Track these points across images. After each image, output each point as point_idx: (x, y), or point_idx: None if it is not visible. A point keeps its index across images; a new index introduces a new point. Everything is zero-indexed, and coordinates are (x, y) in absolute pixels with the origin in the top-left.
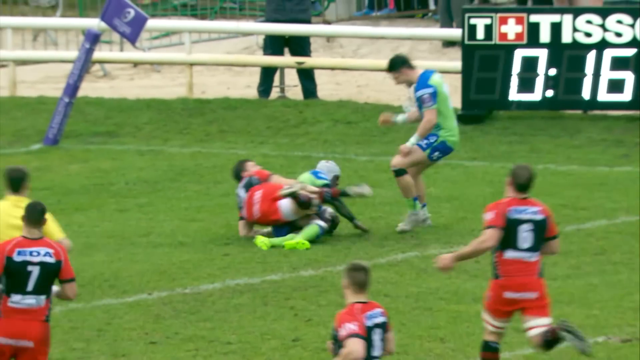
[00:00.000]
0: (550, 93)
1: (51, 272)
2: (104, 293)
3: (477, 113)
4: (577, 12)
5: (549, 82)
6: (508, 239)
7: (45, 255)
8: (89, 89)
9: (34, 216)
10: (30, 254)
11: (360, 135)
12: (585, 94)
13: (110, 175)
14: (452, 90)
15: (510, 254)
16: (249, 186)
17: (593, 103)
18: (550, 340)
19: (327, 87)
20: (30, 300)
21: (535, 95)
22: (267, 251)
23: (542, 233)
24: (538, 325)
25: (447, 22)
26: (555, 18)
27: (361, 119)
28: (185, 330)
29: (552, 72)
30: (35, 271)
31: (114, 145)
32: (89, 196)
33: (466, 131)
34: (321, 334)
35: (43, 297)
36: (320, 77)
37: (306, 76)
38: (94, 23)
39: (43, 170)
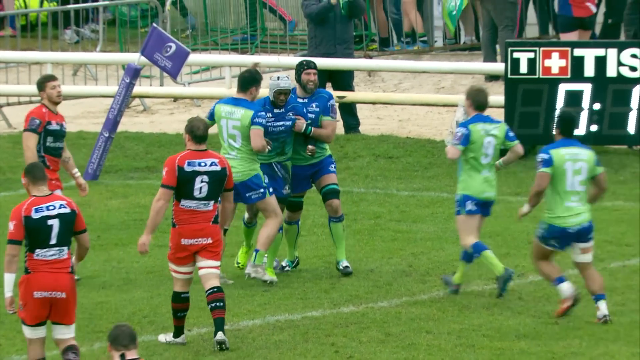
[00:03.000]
0: (594, 128)
1: (70, 222)
2: (143, 329)
3: None
4: (621, 46)
5: (594, 116)
6: (184, 189)
7: (60, 207)
8: (128, 123)
9: (39, 174)
10: (47, 208)
11: (401, 170)
12: (631, 128)
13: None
14: None
15: (185, 204)
16: None
17: (638, 138)
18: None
19: (369, 122)
20: (53, 252)
21: (579, 130)
22: (308, 287)
23: (219, 184)
24: (208, 266)
25: (491, 56)
26: (600, 52)
27: (403, 154)
28: None
29: (597, 106)
30: (55, 224)
31: (153, 180)
32: (129, 232)
33: (509, 166)
34: None
35: (65, 249)
36: (361, 111)
37: (348, 111)
38: (134, 58)
39: (82, 206)
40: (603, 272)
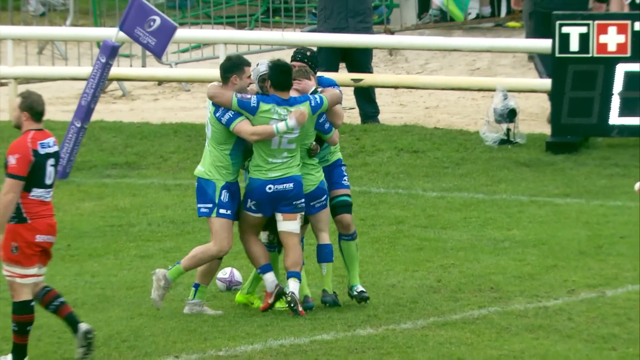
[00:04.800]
0: None
1: None
2: (121, 356)
3: (570, 140)
4: None
5: None
6: (37, 176)
7: None
8: (105, 111)
9: None
10: None
11: (428, 166)
12: None
13: (130, 214)
14: (540, 113)
15: (36, 193)
16: None
17: None
18: None
19: (390, 109)
20: None
21: (637, 120)
22: (318, 307)
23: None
24: (43, 273)
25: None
26: None
27: (430, 148)
28: None
29: None
30: None
31: (134, 178)
32: (105, 240)
33: (557, 162)
34: None
35: None
36: (381, 97)
37: (364, 96)
38: (111, 33)
39: None
40: None
